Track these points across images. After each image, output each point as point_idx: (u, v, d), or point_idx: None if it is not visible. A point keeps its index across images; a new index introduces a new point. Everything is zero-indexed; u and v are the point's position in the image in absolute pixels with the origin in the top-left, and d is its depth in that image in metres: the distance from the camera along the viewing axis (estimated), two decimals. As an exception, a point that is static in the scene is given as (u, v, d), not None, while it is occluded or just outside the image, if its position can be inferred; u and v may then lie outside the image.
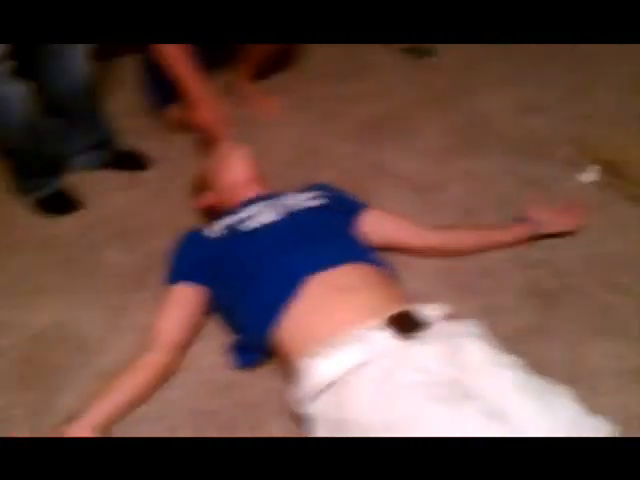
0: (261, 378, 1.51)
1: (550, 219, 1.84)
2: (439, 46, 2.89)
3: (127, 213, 1.98)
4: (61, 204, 1.99)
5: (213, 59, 2.51)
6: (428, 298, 1.50)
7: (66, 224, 1.93)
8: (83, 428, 1.33)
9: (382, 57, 2.86)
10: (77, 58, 1.94)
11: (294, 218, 1.59)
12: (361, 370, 1.21)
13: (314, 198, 1.68)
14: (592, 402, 1.36)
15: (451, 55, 2.86)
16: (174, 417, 1.43)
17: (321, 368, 1.26)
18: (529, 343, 1.56)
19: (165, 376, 1.49)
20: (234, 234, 1.58)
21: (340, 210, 1.71)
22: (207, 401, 1.47)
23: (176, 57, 2.06)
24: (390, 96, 2.58)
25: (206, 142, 2.05)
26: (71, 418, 1.33)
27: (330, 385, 1.23)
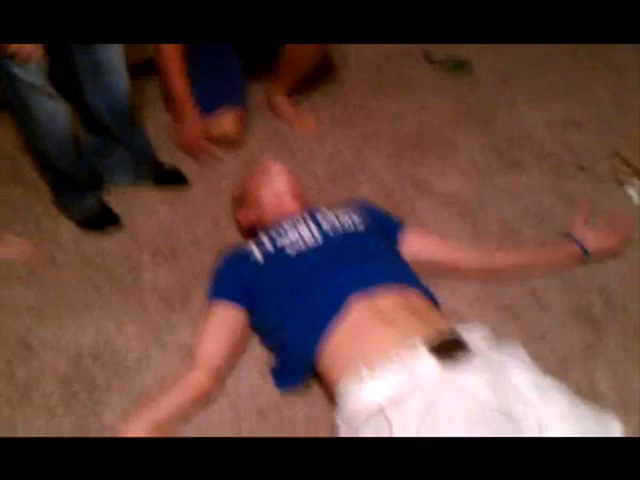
0: (304, 400, 1.50)
1: (596, 239, 1.80)
2: (474, 61, 2.87)
3: (168, 229, 1.99)
4: (102, 220, 2.00)
5: (251, 72, 2.53)
6: (471, 321, 1.49)
7: (107, 240, 1.94)
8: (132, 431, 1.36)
9: (418, 72, 2.84)
10: (116, 75, 1.94)
11: (337, 240, 1.58)
12: (404, 399, 1.20)
13: (355, 217, 1.67)
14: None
15: (487, 70, 2.84)
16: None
17: (362, 392, 1.25)
18: (576, 368, 1.55)
19: (206, 397, 1.48)
20: (277, 256, 1.57)
21: (381, 230, 1.70)
22: (249, 424, 1.46)
23: (173, 68, 2.19)
24: (427, 112, 2.56)
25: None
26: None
27: (371, 414, 1.22)
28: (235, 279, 1.60)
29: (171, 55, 2.20)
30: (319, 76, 2.62)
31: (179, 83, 2.23)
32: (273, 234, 1.63)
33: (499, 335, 1.45)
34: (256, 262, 1.60)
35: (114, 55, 1.91)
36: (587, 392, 1.46)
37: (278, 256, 1.57)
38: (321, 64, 2.50)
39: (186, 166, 2.22)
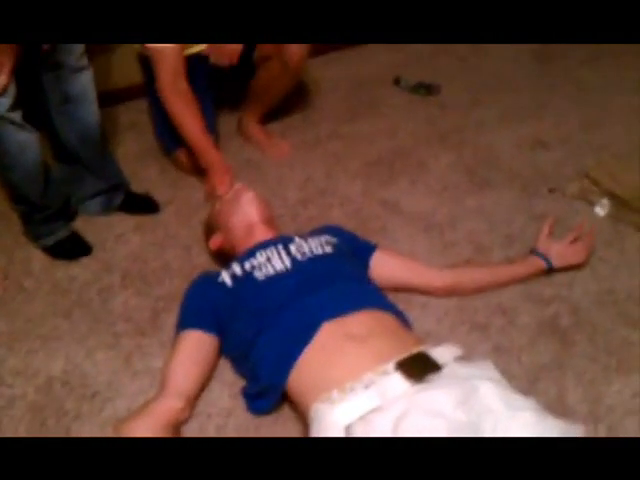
0: (277, 423, 1.50)
1: (560, 252, 1.84)
2: (445, 83, 2.92)
3: (140, 256, 1.99)
4: (73, 248, 2.00)
5: (222, 100, 2.55)
6: (441, 338, 1.50)
7: (78, 268, 1.94)
8: None
9: (388, 96, 2.88)
10: (86, 104, 1.96)
11: (307, 266, 1.59)
12: (373, 417, 1.20)
13: (326, 243, 1.68)
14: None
15: (456, 93, 2.89)
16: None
17: (333, 414, 1.25)
18: (545, 382, 1.56)
19: (177, 423, 1.47)
20: (247, 283, 1.57)
21: (352, 254, 1.72)
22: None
23: (179, 103, 2.09)
24: (397, 134, 2.60)
25: (210, 189, 2.06)
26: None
27: (342, 432, 1.22)
28: (204, 305, 1.60)
29: (174, 89, 2.08)
30: (291, 102, 2.65)
31: (192, 124, 2.10)
32: (242, 259, 1.63)
33: (468, 350, 1.46)
34: (224, 286, 1.60)
35: (85, 85, 1.93)
36: (556, 406, 1.47)
37: (247, 279, 1.58)
38: (293, 91, 2.53)
39: (157, 193, 2.23)
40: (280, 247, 1.64)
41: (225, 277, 1.61)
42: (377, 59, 3.18)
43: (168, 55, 2.04)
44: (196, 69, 2.23)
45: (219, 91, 2.49)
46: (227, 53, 2.23)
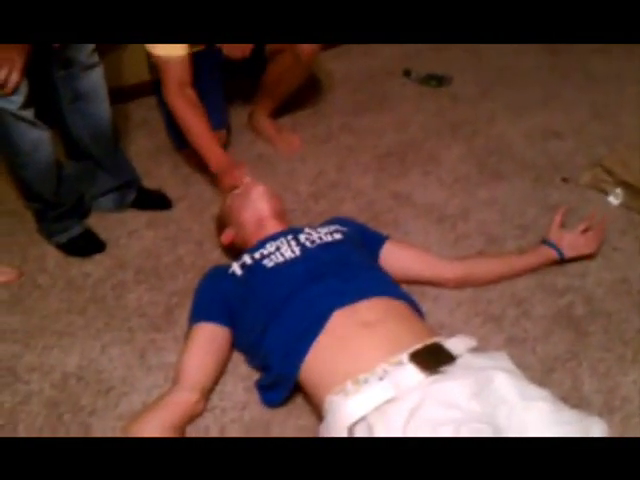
0: (291, 415, 1.50)
1: (571, 242, 1.83)
2: (455, 75, 2.91)
3: (153, 252, 2.00)
4: (86, 245, 2.01)
5: (234, 94, 2.56)
6: (455, 330, 1.50)
7: (92, 265, 1.95)
8: None
9: (399, 88, 2.88)
10: (98, 102, 1.97)
11: (316, 253, 1.59)
12: (388, 408, 1.20)
13: (335, 232, 1.69)
14: (626, 433, 1.35)
15: (467, 84, 2.88)
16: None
17: (348, 406, 1.25)
18: (560, 372, 1.55)
19: (191, 417, 1.48)
20: (257, 271, 1.58)
21: (362, 243, 1.71)
22: (236, 440, 1.46)
23: (185, 109, 2.09)
24: (408, 127, 2.59)
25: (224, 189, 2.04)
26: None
27: (357, 424, 1.22)
28: (216, 297, 1.61)
29: (180, 96, 2.08)
30: (302, 96, 2.64)
31: (198, 129, 2.09)
32: (252, 250, 1.64)
33: (482, 341, 1.46)
34: (235, 275, 1.61)
35: (96, 82, 1.94)
36: (572, 397, 1.47)
37: (256, 268, 1.58)
38: (304, 84, 2.53)
39: (169, 189, 2.24)
40: (290, 237, 1.64)
41: (235, 268, 1.62)
42: (387, 51, 3.17)
43: (174, 65, 2.05)
44: (208, 62, 2.23)
45: (231, 85, 2.49)
46: (240, 46, 2.23)
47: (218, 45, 2.27)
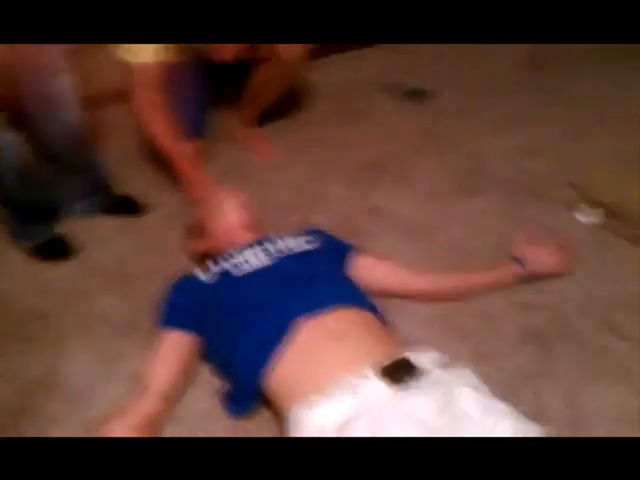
0: (257, 426, 1.48)
1: (541, 260, 1.83)
2: (436, 90, 2.92)
3: (123, 259, 1.98)
4: (57, 250, 1.99)
5: (215, 102, 2.55)
6: (422, 344, 1.48)
7: (62, 270, 1.93)
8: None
9: (381, 101, 2.89)
10: (67, 106, 1.94)
11: (286, 263, 1.58)
12: (353, 421, 1.18)
13: (306, 242, 1.68)
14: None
15: (448, 99, 2.90)
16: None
17: (312, 418, 1.23)
18: (525, 389, 1.55)
19: (155, 424, 1.45)
20: (226, 279, 1.57)
21: (332, 254, 1.71)
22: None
23: (150, 116, 2.07)
24: (388, 139, 2.60)
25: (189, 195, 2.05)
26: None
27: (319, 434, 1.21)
28: (183, 304, 1.59)
29: (147, 101, 2.06)
30: (282, 106, 2.65)
31: (163, 134, 2.08)
32: (221, 259, 1.64)
33: (450, 356, 1.44)
34: (203, 284, 1.60)
35: (65, 86, 1.91)
36: (536, 413, 1.46)
37: (224, 277, 1.57)
38: (285, 94, 2.53)
39: (141, 196, 2.23)
40: (259, 247, 1.64)
41: (204, 276, 1.61)
42: (369, 65, 3.19)
43: (143, 71, 2.02)
44: (194, 71, 2.22)
45: (214, 92, 2.49)
46: (226, 47, 2.21)
47: (204, 51, 2.26)
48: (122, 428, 1.38)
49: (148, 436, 1.40)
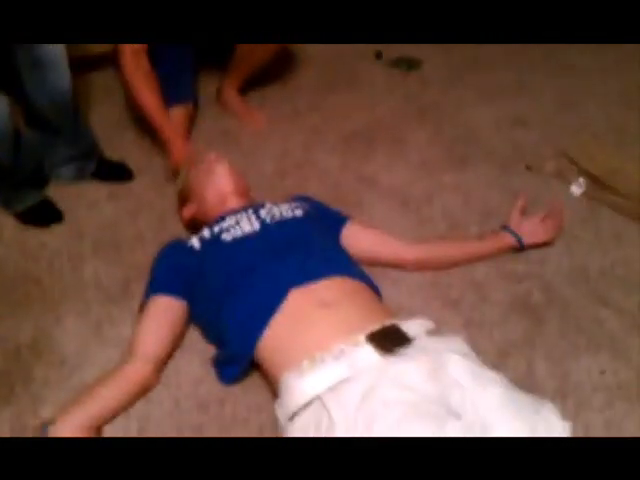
0: (247, 392, 1.49)
1: (530, 229, 1.84)
2: (426, 59, 2.90)
3: (112, 224, 1.97)
4: (44, 215, 1.97)
5: (202, 67, 2.52)
6: (412, 312, 1.50)
7: (50, 235, 1.91)
8: (70, 428, 1.32)
9: (369, 71, 2.86)
10: (57, 69, 1.91)
11: (276, 229, 1.59)
12: (342, 388, 1.20)
13: (296, 208, 1.68)
14: (578, 419, 1.37)
15: (437, 68, 2.88)
16: (156, 433, 1.40)
17: (302, 385, 1.24)
18: (515, 357, 1.56)
19: (144, 389, 1.46)
20: (215, 244, 1.57)
21: (324, 223, 1.71)
22: (190, 416, 1.44)
23: (138, 81, 2.06)
24: (376, 109, 2.58)
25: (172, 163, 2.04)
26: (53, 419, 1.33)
27: (310, 403, 1.22)
28: (173, 270, 1.59)
29: (135, 67, 2.05)
30: (270, 72, 2.62)
31: (150, 101, 2.06)
32: (212, 224, 1.63)
33: (440, 324, 1.47)
34: (193, 249, 1.60)
35: (55, 50, 1.88)
36: (525, 381, 1.48)
37: (214, 242, 1.57)
38: (273, 60, 2.50)
39: (132, 161, 2.21)
40: (250, 212, 1.64)
41: (194, 241, 1.61)
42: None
43: None
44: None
45: (200, 58, 2.47)
46: None
47: None
48: (115, 390, 1.40)
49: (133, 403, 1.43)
